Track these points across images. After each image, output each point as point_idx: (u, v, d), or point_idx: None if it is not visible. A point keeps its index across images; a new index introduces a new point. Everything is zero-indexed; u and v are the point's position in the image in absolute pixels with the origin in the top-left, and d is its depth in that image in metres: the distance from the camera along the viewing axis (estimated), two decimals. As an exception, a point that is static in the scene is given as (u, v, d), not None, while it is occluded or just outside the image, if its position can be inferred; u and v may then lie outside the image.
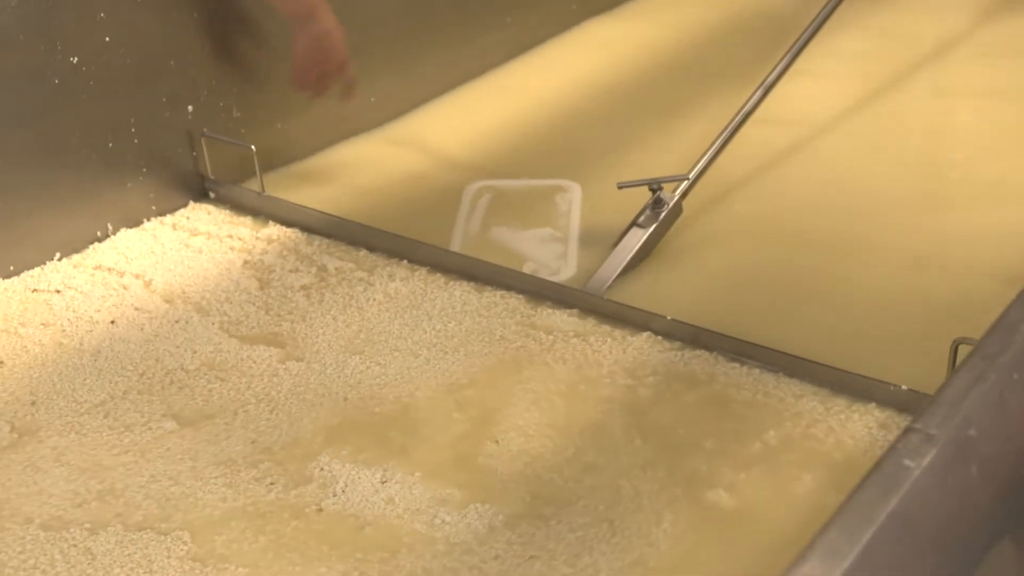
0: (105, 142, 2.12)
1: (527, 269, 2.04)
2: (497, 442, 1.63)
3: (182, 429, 1.69)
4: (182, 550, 1.47)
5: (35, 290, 2.01)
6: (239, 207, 2.27)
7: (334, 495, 1.55)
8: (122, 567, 1.45)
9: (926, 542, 0.98)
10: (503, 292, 1.96)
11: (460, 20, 2.76)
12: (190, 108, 2.24)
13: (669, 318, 1.83)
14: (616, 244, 2.03)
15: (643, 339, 1.83)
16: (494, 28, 2.88)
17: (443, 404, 1.72)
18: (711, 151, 2.14)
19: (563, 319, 1.89)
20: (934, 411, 1.04)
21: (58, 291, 2.01)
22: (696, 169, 2.11)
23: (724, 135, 2.16)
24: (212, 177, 2.28)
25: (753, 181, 2.29)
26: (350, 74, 2.30)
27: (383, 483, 1.57)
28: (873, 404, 1.66)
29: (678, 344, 1.82)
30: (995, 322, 1.18)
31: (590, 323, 1.89)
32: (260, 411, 1.72)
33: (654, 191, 2.04)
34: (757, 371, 1.75)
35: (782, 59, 2.30)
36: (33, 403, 1.76)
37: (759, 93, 2.23)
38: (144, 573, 1.44)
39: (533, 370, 1.78)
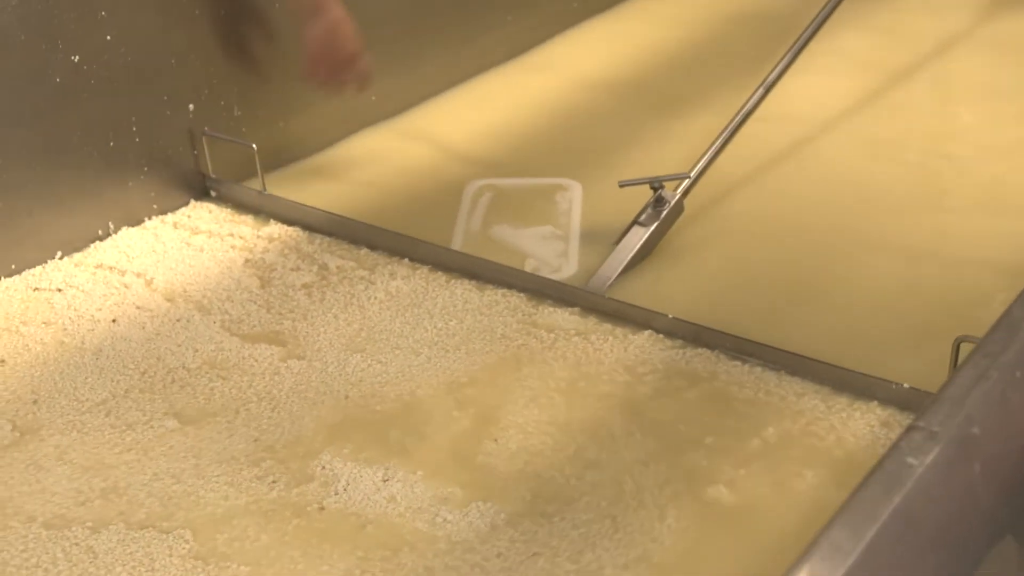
0: (106, 141, 2.12)
1: (528, 267, 2.04)
2: (496, 440, 1.63)
3: (184, 428, 1.69)
4: (184, 548, 1.47)
5: (36, 289, 2.01)
6: (240, 206, 2.27)
7: (336, 493, 1.55)
8: (124, 565, 1.45)
9: (929, 540, 0.98)
10: (504, 290, 1.96)
11: (460, 19, 2.76)
12: (191, 107, 2.24)
13: (670, 316, 1.83)
14: (617, 242, 2.02)
15: (644, 337, 1.83)
16: (494, 27, 2.87)
17: (444, 402, 1.72)
18: (712, 149, 2.14)
19: (564, 317, 1.89)
20: (937, 409, 1.04)
21: (59, 290, 2.01)
22: (698, 167, 2.10)
23: (725, 134, 2.16)
24: (213, 176, 2.28)
25: (755, 180, 2.29)
26: (363, 65, 2.29)
27: (385, 482, 1.57)
28: (875, 402, 1.66)
29: (679, 342, 1.82)
30: (998, 320, 1.18)
31: (591, 321, 1.89)
32: (262, 409, 1.72)
33: (655, 189, 2.04)
34: (759, 369, 1.75)
35: (783, 58, 2.29)
36: (35, 402, 1.76)
37: (760, 91, 2.23)
38: (146, 571, 1.44)
39: (534, 368, 1.78)
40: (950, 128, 2.52)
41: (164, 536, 1.49)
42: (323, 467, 1.60)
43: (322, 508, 1.53)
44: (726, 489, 1.53)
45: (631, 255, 1.99)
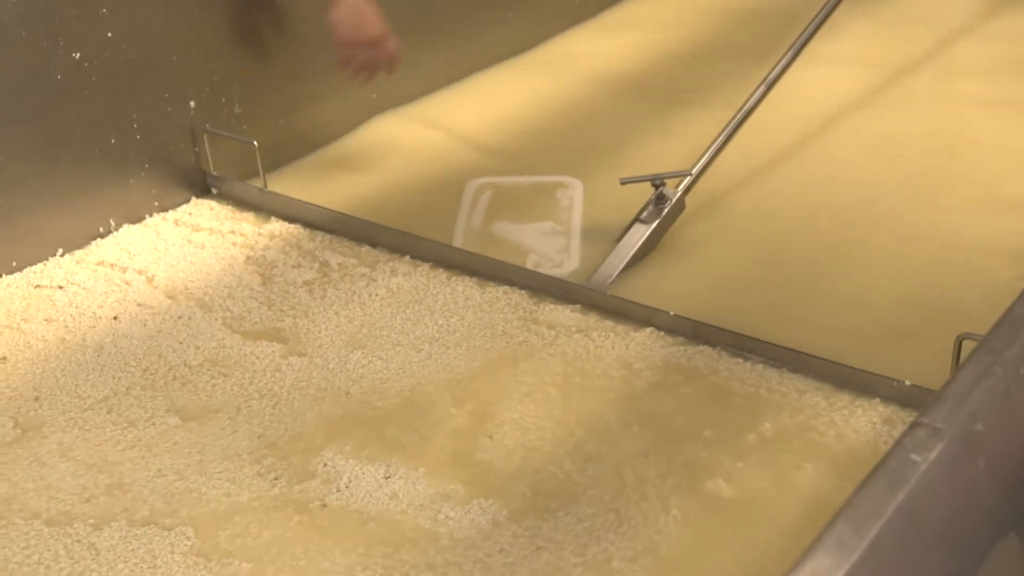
0: (107, 138, 2.12)
1: (530, 262, 2.04)
2: (491, 437, 1.64)
3: (185, 425, 1.69)
4: (186, 545, 1.47)
5: (38, 286, 2.01)
6: (241, 203, 2.27)
7: (338, 490, 1.55)
8: (126, 562, 1.45)
9: (933, 536, 0.98)
10: (505, 288, 1.96)
11: (461, 17, 2.76)
12: (192, 104, 2.24)
13: (672, 313, 1.83)
14: (619, 240, 2.02)
15: (646, 334, 1.83)
16: (496, 25, 2.88)
17: (445, 399, 1.72)
18: (714, 147, 2.14)
19: (565, 314, 1.89)
20: (941, 405, 1.04)
21: (61, 287, 2.01)
22: (699, 165, 2.11)
23: (727, 131, 2.16)
24: (214, 173, 2.28)
25: (756, 177, 2.29)
26: (392, 46, 2.28)
27: (387, 479, 1.57)
28: (877, 399, 1.66)
29: (681, 339, 1.82)
30: (1001, 317, 1.18)
31: (593, 318, 1.89)
32: (263, 406, 1.72)
33: (657, 187, 2.04)
34: (760, 366, 1.75)
35: (784, 56, 2.29)
36: (36, 399, 1.76)
37: (761, 90, 2.23)
38: (148, 568, 1.44)
39: (534, 365, 1.78)
40: (954, 126, 2.52)
41: (166, 533, 1.49)
42: (325, 464, 1.60)
43: (324, 505, 1.53)
44: (729, 482, 1.54)
45: (632, 252, 1.99)
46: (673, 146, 2.37)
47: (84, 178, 2.11)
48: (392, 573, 1.42)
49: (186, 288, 2.00)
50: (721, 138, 2.15)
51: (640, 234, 2.02)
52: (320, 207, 2.18)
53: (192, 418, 1.71)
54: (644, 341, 1.82)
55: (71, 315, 1.94)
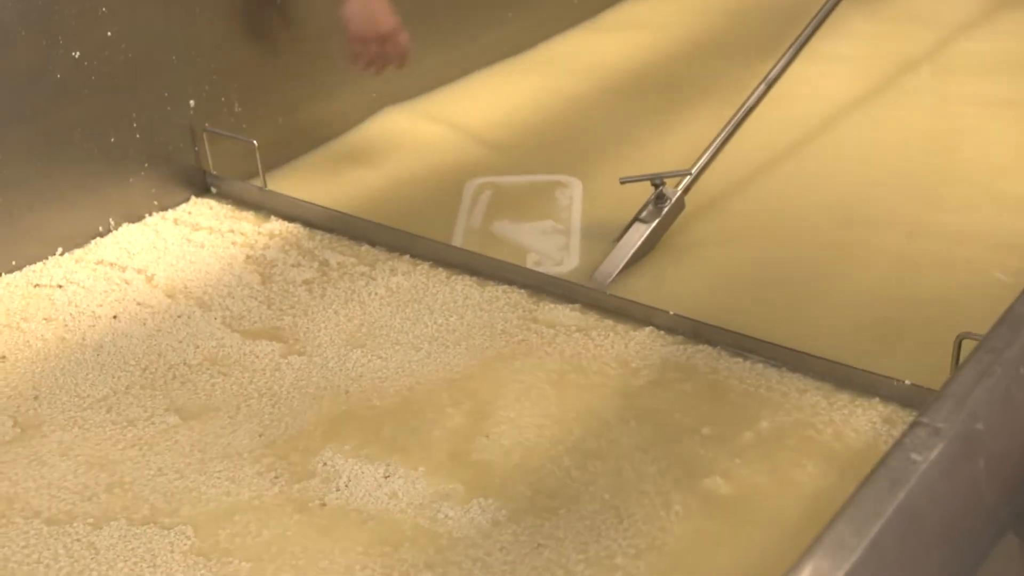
0: (107, 137, 2.12)
1: (530, 260, 2.04)
2: (490, 436, 1.64)
3: (185, 424, 1.69)
4: (186, 544, 1.47)
5: (37, 285, 2.01)
6: (241, 202, 2.27)
7: (337, 490, 1.55)
8: (125, 561, 1.45)
9: (933, 536, 0.98)
10: (505, 287, 1.96)
11: (461, 16, 2.76)
12: (192, 103, 2.24)
13: (672, 313, 1.83)
14: (618, 239, 2.02)
15: (645, 334, 1.83)
16: (496, 25, 2.87)
17: (444, 398, 1.72)
18: (714, 146, 2.13)
19: (565, 314, 1.89)
20: (941, 405, 1.04)
21: (60, 286, 2.01)
22: (698, 164, 2.10)
23: (726, 131, 2.16)
24: (214, 172, 2.28)
25: (756, 176, 2.29)
26: (403, 41, 2.29)
27: (386, 478, 1.57)
28: (877, 399, 1.66)
29: (680, 339, 1.82)
30: (1001, 316, 1.18)
31: (592, 318, 1.89)
32: (263, 405, 1.72)
33: (656, 186, 2.04)
34: (760, 366, 1.75)
35: (784, 55, 2.29)
36: (36, 398, 1.75)
37: (761, 89, 2.23)
38: (147, 567, 1.44)
39: (534, 364, 1.78)
40: (952, 126, 2.52)
41: (166, 532, 1.49)
42: (324, 463, 1.60)
43: (324, 504, 1.53)
44: (729, 479, 1.54)
45: (632, 252, 1.99)
46: (673, 145, 2.37)
47: (84, 177, 2.11)
48: (391, 572, 1.42)
49: (185, 287, 2.00)
50: (721, 137, 2.15)
51: (640, 233, 2.02)
52: (320, 206, 2.18)
53: (192, 417, 1.71)
54: (644, 340, 1.82)
55: (70, 314, 1.94)
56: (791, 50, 2.30)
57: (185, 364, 1.82)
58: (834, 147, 2.42)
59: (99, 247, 2.12)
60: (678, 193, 2.06)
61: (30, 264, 2.06)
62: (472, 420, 1.67)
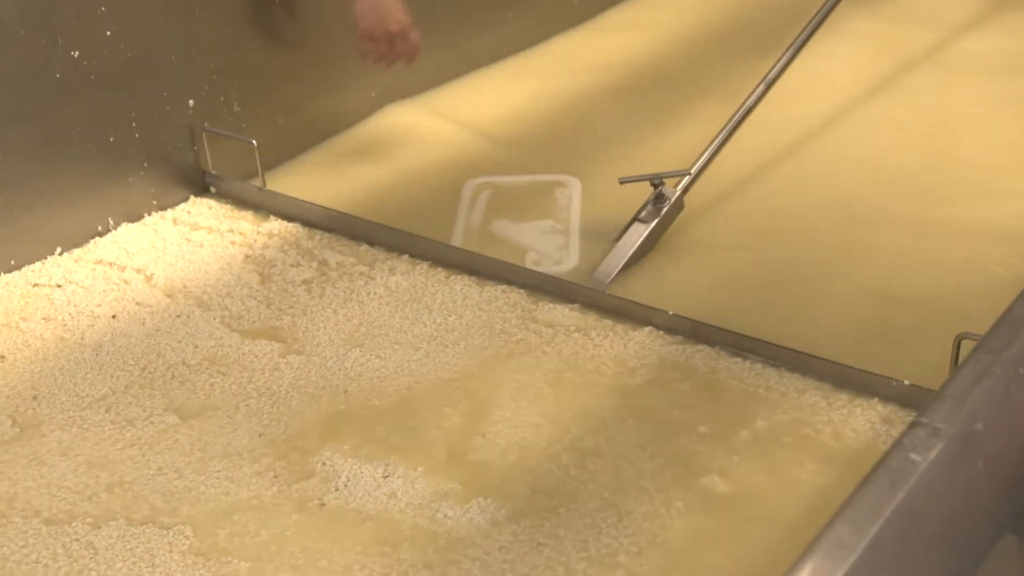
0: (106, 137, 2.12)
1: (530, 259, 2.04)
2: (488, 436, 1.64)
3: (184, 423, 1.69)
4: (185, 544, 1.47)
5: (36, 285, 2.01)
6: (240, 201, 2.27)
7: (336, 489, 1.55)
8: (124, 561, 1.45)
9: (932, 536, 0.98)
10: (504, 287, 1.96)
11: (460, 15, 2.76)
12: (191, 103, 2.24)
13: (671, 313, 1.83)
14: (618, 239, 2.02)
15: (645, 334, 1.83)
16: (495, 24, 2.87)
17: (443, 397, 1.72)
18: (713, 146, 2.13)
19: (564, 313, 1.89)
20: (940, 405, 1.04)
21: (59, 286, 2.01)
22: (698, 164, 2.10)
23: (726, 131, 2.16)
24: (213, 172, 2.28)
25: (755, 176, 2.29)
26: (414, 38, 2.29)
27: (385, 478, 1.57)
28: (876, 399, 1.66)
29: (680, 339, 1.82)
30: (1000, 317, 1.18)
31: (591, 318, 1.89)
32: (262, 405, 1.72)
33: (656, 186, 2.04)
34: (759, 366, 1.75)
35: (783, 55, 2.29)
36: (35, 397, 1.75)
37: (760, 89, 2.23)
38: (146, 567, 1.44)
39: (533, 364, 1.78)
40: (952, 126, 2.52)
41: (165, 532, 1.49)
42: (324, 463, 1.60)
43: (323, 504, 1.53)
44: (728, 478, 1.54)
45: (631, 252, 1.99)
46: (672, 145, 2.37)
47: (83, 177, 2.11)
48: (390, 572, 1.42)
49: (184, 287, 2.00)
50: (720, 138, 2.15)
51: (639, 233, 2.02)
52: (319, 206, 2.18)
53: (190, 417, 1.71)
54: (643, 340, 1.82)
55: (69, 314, 1.94)
56: (790, 50, 2.30)
57: (184, 364, 1.82)
58: (833, 147, 2.42)
59: (98, 247, 2.12)
60: (677, 193, 2.06)
61: (29, 264, 2.05)
62: (470, 420, 1.67)
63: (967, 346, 1.56)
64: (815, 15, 2.37)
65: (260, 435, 1.66)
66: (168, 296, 1.98)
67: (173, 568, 1.44)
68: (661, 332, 1.83)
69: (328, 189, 2.29)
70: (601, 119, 2.62)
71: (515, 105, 2.67)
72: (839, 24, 2.57)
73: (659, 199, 2.04)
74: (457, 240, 2.13)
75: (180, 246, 2.12)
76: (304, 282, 2.01)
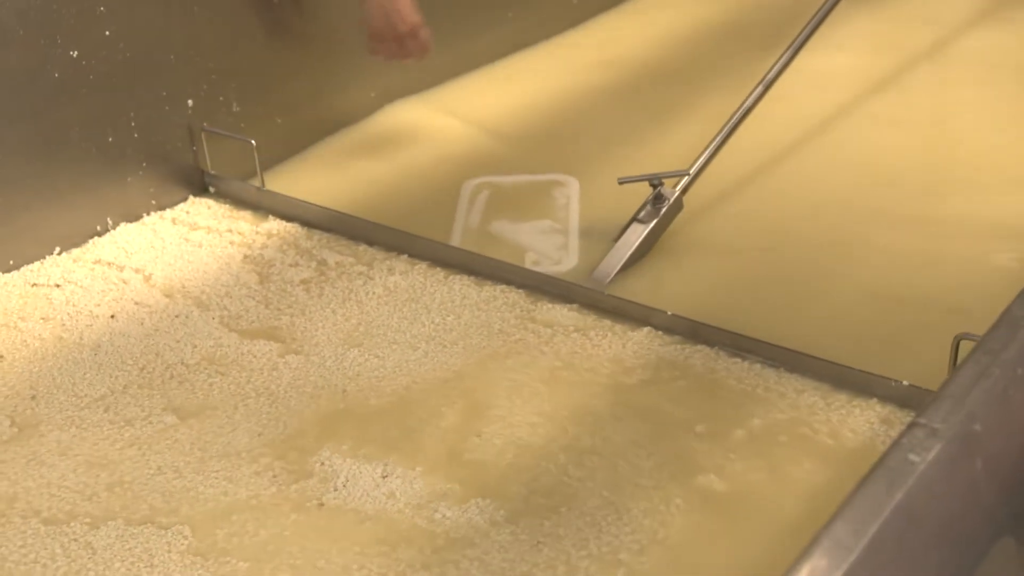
0: (105, 136, 2.12)
1: (529, 260, 2.04)
2: (485, 436, 1.63)
3: (182, 423, 1.69)
4: (183, 544, 1.47)
5: (35, 284, 2.01)
6: (239, 201, 2.27)
7: (335, 489, 1.55)
8: (122, 561, 1.45)
9: (931, 536, 0.98)
10: (503, 287, 1.96)
11: (459, 14, 2.76)
12: (190, 103, 2.24)
13: (670, 313, 1.83)
14: (617, 239, 2.02)
15: (643, 334, 1.83)
16: (496, 23, 2.87)
17: (441, 397, 1.72)
18: (712, 147, 2.14)
19: (563, 313, 1.89)
20: (939, 406, 1.04)
21: (58, 285, 2.01)
22: (697, 165, 2.10)
23: (725, 131, 2.16)
24: (212, 171, 2.28)
25: (754, 177, 2.29)
26: (424, 36, 2.31)
27: (384, 478, 1.57)
28: (874, 399, 1.66)
29: (678, 339, 1.82)
30: (999, 317, 1.18)
31: (590, 318, 1.89)
32: (260, 405, 1.72)
33: (655, 186, 2.04)
34: (758, 366, 1.75)
35: (782, 56, 2.29)
36: (33, 397, 1.75)
37: (759, 89, 2.23)
38: (145, 567, 1.44)
39: (531, 364, 1.78)
40: (950, 127, 2.52)
41: (163, 532, 1.49)
42: (322, 463, 1.60)
43: (321, 504, 1.53)
44: (726, 477, 1.54)
45: (630, 252, 1.99)
46: (671, 146, 2.37)
47: (82, 176, 2.11)
48: (388, 572, 1.42)
49: (183, 287, 2.00)
50: (719, 138, 2.15)
51: (638, 234, 2.02)
52: (318, 206, 2.18)
53: (189, 416, 1.71)
54: (642, 340, 1.82)
55: (68, 314, 1.94)
56: (789, 50, 2.31)
57: (183, 364, 1.82)
58: (832, 147, 2.42)
59: (97, 246, 2.12)
60: (676, 193, 2.06)
61: (28, 263, 2.05)
62: (468, 419, 1.67)
63: (966, 346, 1.56)
64: (814, 15, 2.37)
65: (259, 435, 1.66)
66: (167, 296, 1.98)
67: (172, 568, 1.44)
68: (660, 332, 1.83)
69: (327, 188, 2.29)
70: (600, 118, 2.62)
71: (514, 104, 2.67)
72: (839, 24, 2.57)
73: (658, 199, 2.04)
74: (456, 240, 2.13)
75: (179, 246, 2.12)
76: (303, 282, 2.01)
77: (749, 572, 1.41)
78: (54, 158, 2.06)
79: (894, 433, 1.58)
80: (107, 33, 2.07)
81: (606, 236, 2.07)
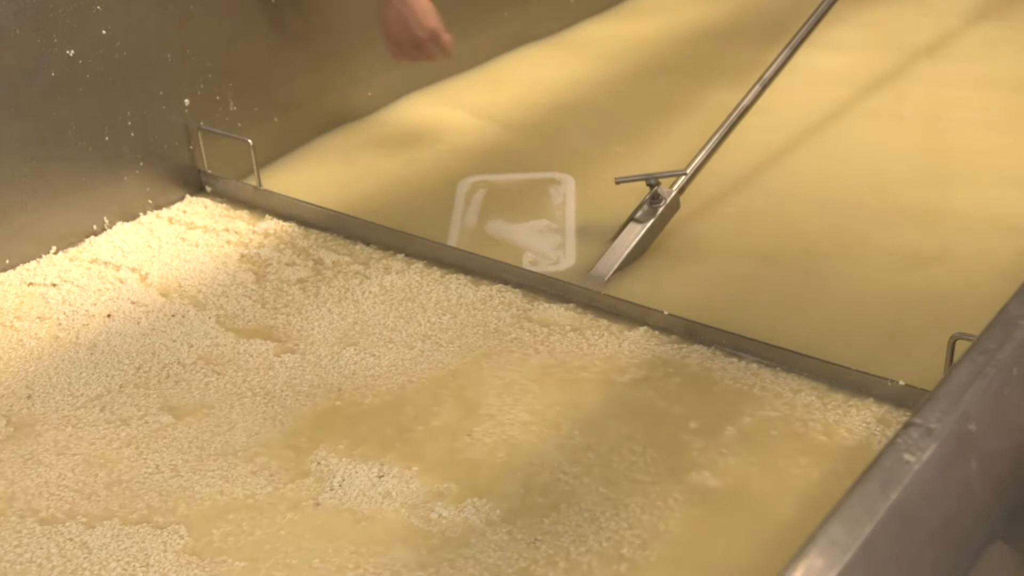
0: (101, 135, 2.12)
1: (526, 259, 2.04)
2: (478, 435, 1.63)
3: (179, 423, 1.69)
4: (179, 543, 1.47)
5: (31, 284, 2.01)
6: (235, 201, 2.27)
7: (331, 489, 1.55)
8: (118, 561, 1.45)
9: (926, 536, 0.98)
10: (499, 286, 1.96)
11: (457, 14, 2.75)
12: (187, 102, 2.24)
13: (666, 313, 1.83)
14: (614, 239, 2.02)
15: (640, 333, 1.83)
16: (491, 22, 2.87)
17: (436, 396, 1.72)
18: (709, 146, 2.14)
19: (560, 313, 1.89)
20: (934, 405, 1.04)
21: (54, 285, 2.00)
22: (694, 164, 2.10)
23: (722, 131, 2.16)
24: (209, 171, 2.28)
25: (751, 177, 2.29)
26: (444, 39, 2.32)
27: (380, 477, 1.56)
28: (871, 399, 1.66)
29: (675, 339, 1.82)
30: (995, 317, 1.18)
31: (587, 317, 1.88)
32: (256, 404, 1.72)
33: (651, 186, 2.04)
34: (755, 366, 1.75)
35: (779, 55, 2.30)
36: (29, 397, 1.75)
37: (756, 89, 2.23)
38: (140, 567, 1.44)
39: (527, 363, 1.78)
40: (948, 128, 2.52)
41: (159, 531, 1.49)
42: (318, 463, 1.60)
43: (317, 504, 1.53)
44: (722, 475, 1.54)
45: (627, 252, 1.99)
46: (669, 146, 2.37)
47: (78, 175, 2.11)
48: (383, 572, 1.42)
49: (180, 286, 2.00)
50: (716, 137, 2.15)
51: (635, 233, 2.02)
52: (314, 205, 2.18)
53: (186, 416, 1.71)
54: (638, 340, 1.82)
55: (64, 313, 1.94)
56: (787, 49, 2.31)
57: (179, 363, 1.82)
58: (829, 147, 2.42)
59: (93, 246, 2.12)
60: (673, 193, 2.06)
61: (24, 263, 2.05)
62: (463, 419, 1.67)
63: (961, 346, 1.56)
64: (812, 13, 2.38)
65: (255, 434, 1.66)
66: (163, 295, 1.98)
67: (167, 568, 1.44)
68: (656, 332, 1.83)
69: (324, 187, 2.29)
70: (597, 117, 2.62)
71: (511, 104, 2.68)
72: (837, 22, 2.57)
73: (655, 199, 2.04)
74: (452, 239, 2.13)
75: (175, 245, 2.12)
76: (299, 281, 2.01)
77: (750, 567, 1.41)
78: (50, 157, 2.06)
79: (890, 433, 1.58)
80: (104, 32, 2.07)
81: (603, 236, 2.07)
